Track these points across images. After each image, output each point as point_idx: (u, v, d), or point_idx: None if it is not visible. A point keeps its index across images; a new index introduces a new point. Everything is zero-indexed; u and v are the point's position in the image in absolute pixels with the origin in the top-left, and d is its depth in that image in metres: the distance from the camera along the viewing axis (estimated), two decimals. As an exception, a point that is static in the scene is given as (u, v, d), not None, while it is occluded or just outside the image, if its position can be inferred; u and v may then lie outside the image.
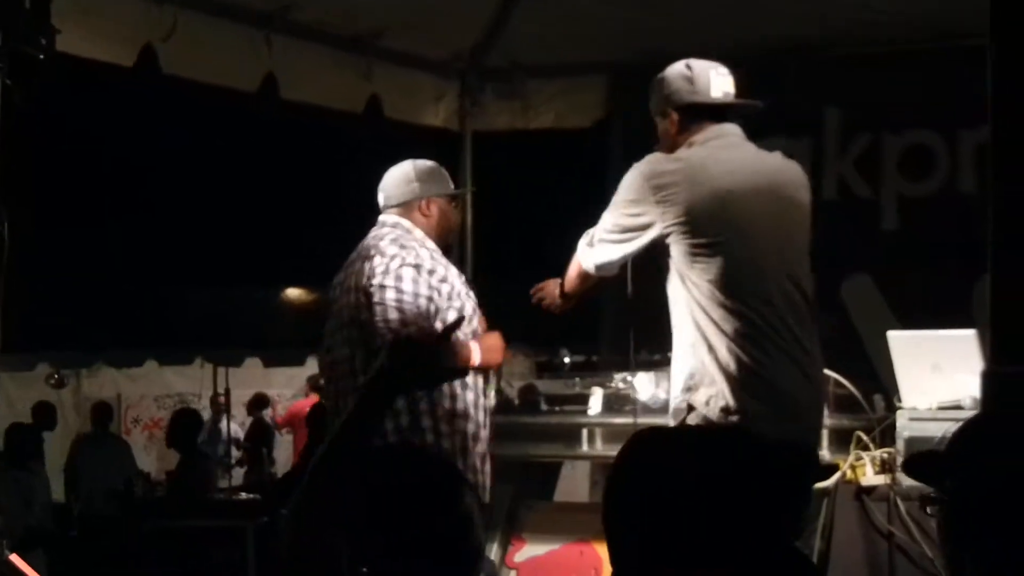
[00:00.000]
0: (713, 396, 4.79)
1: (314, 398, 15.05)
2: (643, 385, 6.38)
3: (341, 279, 5.61)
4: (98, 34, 6.87)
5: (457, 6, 8.12)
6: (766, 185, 4.93)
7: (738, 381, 4.75)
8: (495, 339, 5.58)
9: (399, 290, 5.36)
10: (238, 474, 16.01)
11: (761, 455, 2.30)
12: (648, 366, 6.34)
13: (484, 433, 5.52)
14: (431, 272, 5.42)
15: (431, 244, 5.57)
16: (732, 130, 5.01)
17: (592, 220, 5.19)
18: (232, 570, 9.93)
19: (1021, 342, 3.44)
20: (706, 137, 4.96)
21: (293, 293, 18.28)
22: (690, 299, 4.83)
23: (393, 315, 5.32)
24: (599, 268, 5.15)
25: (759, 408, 4.74)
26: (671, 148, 5.03)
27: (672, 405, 4.97)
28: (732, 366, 4.76)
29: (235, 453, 16.15)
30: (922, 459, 2.40)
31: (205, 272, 17.51)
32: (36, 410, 14.38)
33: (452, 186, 5.80)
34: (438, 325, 5.32)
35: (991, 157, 3.61)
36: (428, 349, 5.26)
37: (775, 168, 5.03)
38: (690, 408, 4.84)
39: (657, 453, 2.32)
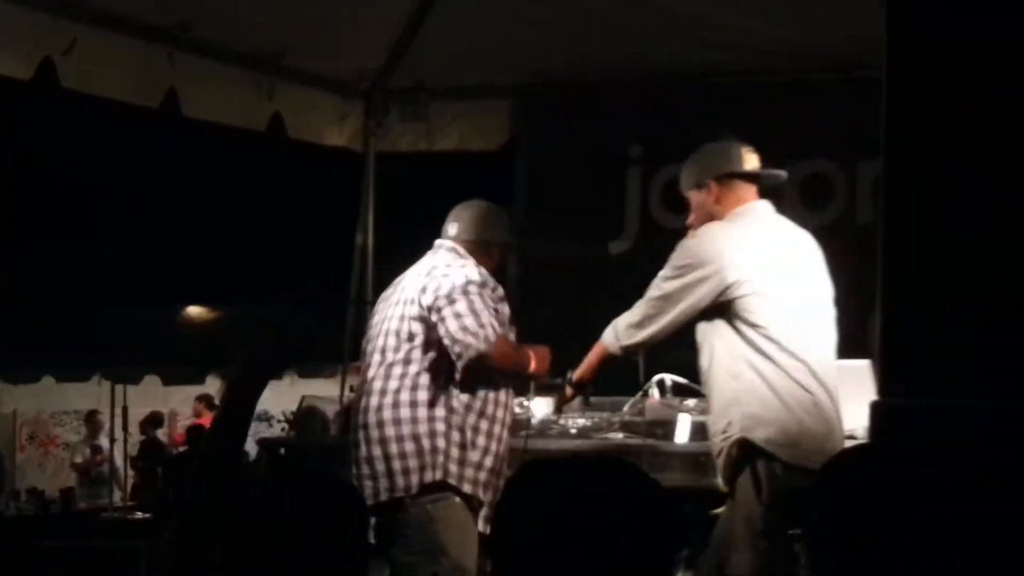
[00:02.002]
0: (772, 433, 5.16)
1: (208, 417, 14.93)
2: (539, 409, 6.37)
3: (388, 294, 5.82)
4: (-6, 46, 6.77)
5: (362, 26, 8.09)
6: (802, 249, 5.53)
7: (796, 416, 5.19)
8: (546, 350, 5.81)
9: (470, 299, 5.52)
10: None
11: (651, 487, 2.29)
12: (546, 390, 6.32)
13: (504, 467, 5.73)
14: (494, 289, 5.62)
15: None
16: (766, 206, 5.48)
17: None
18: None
19: (908, 373, 3.48)
20: (747, 211, 5.40)
21: (194, 311, 18.10)
22: (745, 346, 5.21)
23: (459, 324, 5.48)
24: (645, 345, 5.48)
25: (812, 444, 5.10)
26: (706, 220, 5.41)
27: (719, 442, 5.29)
28: (790, 401, 5.20)
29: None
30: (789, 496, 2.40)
31: (103, 289, 17.29)
32: None
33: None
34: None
35: (882, 190, 3.66)
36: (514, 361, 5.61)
37: (805, 238, 5.59)
38: (744, 444, 5.18)
39: (546, 485, 2.30)
